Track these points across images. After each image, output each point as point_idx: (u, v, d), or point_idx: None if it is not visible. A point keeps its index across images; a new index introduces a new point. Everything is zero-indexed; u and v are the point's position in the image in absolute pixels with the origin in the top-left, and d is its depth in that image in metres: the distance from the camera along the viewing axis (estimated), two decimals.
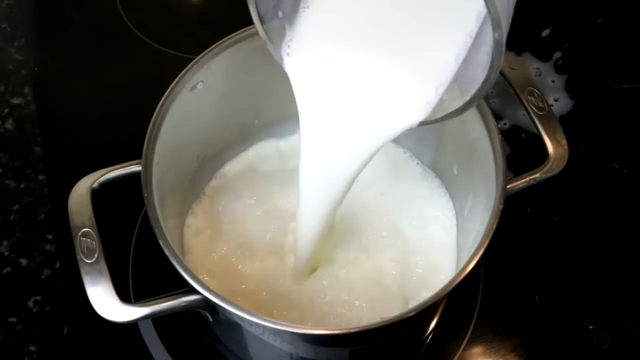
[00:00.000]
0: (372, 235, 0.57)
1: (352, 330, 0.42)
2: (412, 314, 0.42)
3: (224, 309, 0.42)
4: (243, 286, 0.54)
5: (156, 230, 0.45)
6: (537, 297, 0.60)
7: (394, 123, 0.43)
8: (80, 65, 0.76)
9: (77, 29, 0.80)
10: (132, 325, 0.58)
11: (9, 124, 0.71)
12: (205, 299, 0.43)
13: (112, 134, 0.69)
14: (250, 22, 0.54)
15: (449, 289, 0.43)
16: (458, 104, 0.41)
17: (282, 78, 0.58)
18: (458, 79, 0.42)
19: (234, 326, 0.49)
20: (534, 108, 0.52)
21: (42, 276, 0.62)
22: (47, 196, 0.66)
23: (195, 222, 0.58)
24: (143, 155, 0.48)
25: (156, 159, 0.48)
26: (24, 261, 0.62)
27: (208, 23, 0.79)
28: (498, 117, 0.70)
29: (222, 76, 0.54)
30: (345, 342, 0.47)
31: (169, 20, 0.80)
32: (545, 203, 0.65)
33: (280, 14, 0.45)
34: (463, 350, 0.58)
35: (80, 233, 0.46)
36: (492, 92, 0.70)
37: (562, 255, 0.63)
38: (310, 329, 0.45)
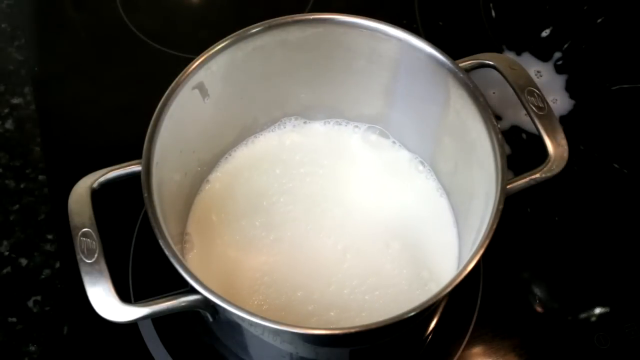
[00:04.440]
0: (370, 235, 0.57)
1: (352, 330, 0.42)
2: (412, 314, 0.42)
3: (224, 309, 0.42)
4: (242, 284, 0.54)
5: (156, 230, 0.45)
6: (537, 297, 0.60)
7: None
8: (80, 65, 0.76)
9: (77, 29, 0.80)
10: (132, 325, 0.58)
11: (9, 124, 0.71)
12: (205, 299, 0.43)
13: (112, 134, 0.69)
14: (249, 22, 0.54)
15: (449, 289, 0.43)
16: None
17: (282, 78, 0.59)
18: None
19: (234, 326, 0.49)
20: (534, 108, 0.52)
21: (42, 276, 0.62)
22: (47, 196, 0.66)
23: (195, 221, 0.58)
24: (143, 155, 0.48)
25: (156, 159, 0.48)
26: (24, 261, 0.62)
27: (208, 23, 0.79)
28: (498, 117, 0.70)
29: (222, 76, 0.54)
30: (345, 342, 0.47)
31: (169, 20, 0.80)
32: (545, 203, 0.65)
33: None
34: (463, 350, 0.58)
35: (80, 233, 0.46)
36: (493, 93, 0.70)
37: (562, 255, 0.63)
38: (310, 329, 0.45)
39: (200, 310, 0.47)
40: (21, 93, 0.73)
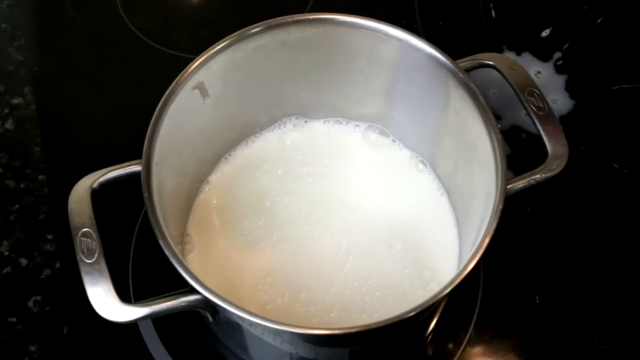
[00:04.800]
0: (373, 235, 0.57)
1: (352, 330, 0.42)
2: (412, 314, 0.42)
3: (224, 309, 0.42)
4: (244, 285, 0.54)
5: (156, 231, 0.45)
6: (537, 297, 0.60)
7: None
8: (80, 65, 0.76)
9: (77, 29, 0.80)
10: (132, 325, 0.58)
11: (9, 124, 0.71)
12: (205, 299, 0.43)
13: (112, 134, 0.69)
14: (249, 22, 0.54)
15: (449, 289, 0.43)
16: None
17: (282, 78, 0.59)
18: None
19: (234, 326, 0.49)
20: (534, 108, 0.52)
21: (42, 276, 0.62)
22: (47, 196, 0.66)
23: (195, 222, 0.58)
24: (143, 155, 0.48)
25: (156, 159, 0.48)
26: (24, 261, 0.62)
27: (208, 23, 0.79)
28: (498, 117, 0.70)
29: (222, 76, 0.54)
30: (345, 342, 0.47)
31: (169, 20, 0.80)
32: (545, 203, 0.65)
33: None
34: (463, 350, 0.58)
35: (80, 233, 0.46)
36: (493, 93, 0.70)
37: (562, 255, 0.63)
38: (310, 329, 0.45)
39: (200, 310, 0.47)
40: (21, 93, 0.73)
